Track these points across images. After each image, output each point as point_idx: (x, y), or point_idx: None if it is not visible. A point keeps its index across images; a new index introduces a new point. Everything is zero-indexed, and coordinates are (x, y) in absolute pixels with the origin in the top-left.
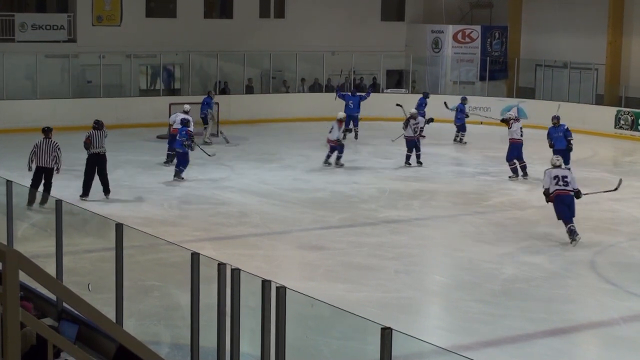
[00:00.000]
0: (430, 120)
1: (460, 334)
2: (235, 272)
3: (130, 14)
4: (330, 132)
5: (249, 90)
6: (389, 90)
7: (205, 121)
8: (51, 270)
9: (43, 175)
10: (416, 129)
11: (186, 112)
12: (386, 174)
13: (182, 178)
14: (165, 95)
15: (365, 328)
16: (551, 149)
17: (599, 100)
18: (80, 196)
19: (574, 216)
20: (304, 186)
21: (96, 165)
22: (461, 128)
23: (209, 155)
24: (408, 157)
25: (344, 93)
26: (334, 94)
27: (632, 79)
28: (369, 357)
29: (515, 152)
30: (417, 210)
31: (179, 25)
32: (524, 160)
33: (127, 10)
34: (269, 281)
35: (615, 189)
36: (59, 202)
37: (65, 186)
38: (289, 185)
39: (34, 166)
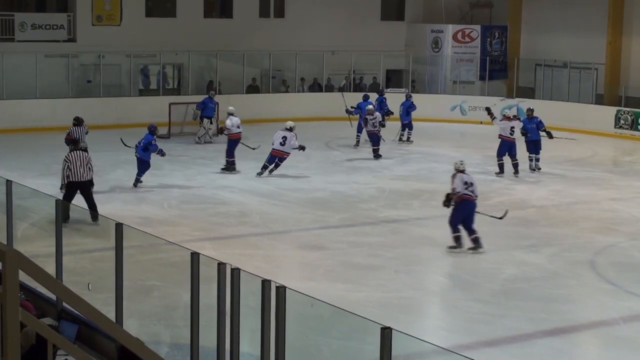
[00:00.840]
0: (390, 112)
1: (460, 333)
2: (235, 272)
3: (130, 14)
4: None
5: (254, 89)
6: (388, 90)
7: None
8: (51, 270)
9: (78, 190)
10: (375, 124)
11: (231, 114)
12: (386, 174)
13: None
14: (165, 94)
15: (365, 328)
16: (524, 137)
17: (599, 100)
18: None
19: (473, 223)
20: (303, 186)
21: (77, 191)
22: (408, 126)
23: (253, 149)
24: (375, 151)
25: (354, 108)
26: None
27: (632, 79)
28: (368, 357)
29: (504, 148)
30: (417, 210)
31: (179, 25)
32: (516, 158)
33: (126, 10)
34: (269, 281)
35: (501, 218)
36: (58, 202)
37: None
38: (289, 185)
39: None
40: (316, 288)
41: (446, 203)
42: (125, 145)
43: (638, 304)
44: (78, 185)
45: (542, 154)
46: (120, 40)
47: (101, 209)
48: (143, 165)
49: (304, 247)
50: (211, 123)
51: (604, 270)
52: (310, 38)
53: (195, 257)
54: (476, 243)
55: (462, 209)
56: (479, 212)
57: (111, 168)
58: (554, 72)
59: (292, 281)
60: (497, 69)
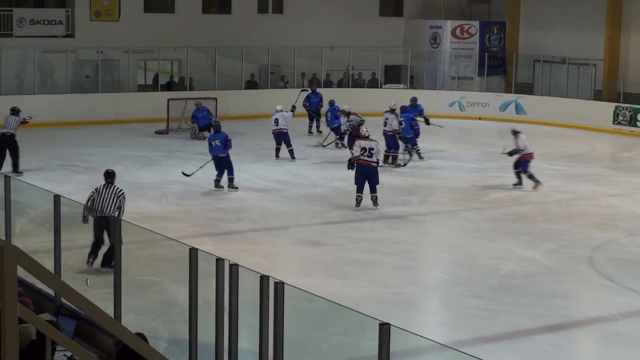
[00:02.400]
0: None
1: (459, 329)
2: (234, 268)
3: (128, 9)
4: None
5: (253, 85)
6: (387, 86)
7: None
8: (49, 265)
9: (104, 227)
10: (352, 125)
11: (279, 111)
12: (384, 170)
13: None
14: (163, 90)
15: (363, 324)
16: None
17: (598, 96)
18: None
19: (377, 184)
20: (302, 182)
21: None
22: (336, 131)
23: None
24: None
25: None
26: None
27: (630, 75)
28: (367, 353)
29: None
30: (415, 206)
31: (177, 21)
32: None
33: (125, 6)
34: (268, 277)
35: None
36: (57, 198)
37: (64, 181)
38: (288, 180)
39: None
40: (315, 284)
41: (349, 167)
42: (187, 175)
43: (636, 299)
44: (103, 221)
45: (541, 149)
46: (118, 36)
47: None
48: (229, 162)
49: (302, 243)
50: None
51: (603, 266)
52: (309, 34)
53: (193, 252)
54: (357, 203)
55: (359, 173)
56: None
57: (109, 164)
58: (553, 68)
59: (290, 277)
60: (496, 64)
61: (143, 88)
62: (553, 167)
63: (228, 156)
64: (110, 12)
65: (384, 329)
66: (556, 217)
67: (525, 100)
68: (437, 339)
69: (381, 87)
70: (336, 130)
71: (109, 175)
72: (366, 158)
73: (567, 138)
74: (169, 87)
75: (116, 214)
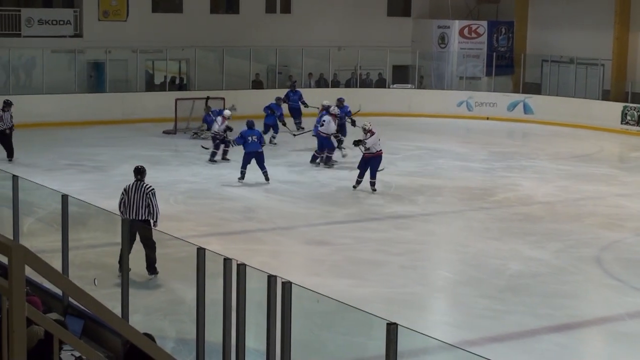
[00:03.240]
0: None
1: (466, 329)
2: (241, 267)
3: (136, 9)
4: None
5: (258, 85)
6: (395, 86)
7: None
8: (57, 265)
9: (136, 231)
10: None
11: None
12: (391, 170)
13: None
14: (171, 90)
15: (370, 323)
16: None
17: (606, 96)
18: None
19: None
20: (309, 182)
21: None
22: (274, 129)
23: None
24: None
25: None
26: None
27: (638, 75)
28: (374, 353)
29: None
30: (422, 205)
31: (185, 21)
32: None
33: (133, 6)
34: (275, 276)
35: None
36: (64, 197)
37: (72, 181)
38: (295, 180)
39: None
40: (322, 283)
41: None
42: (205, 147)
43: None
44: (133, 224)
45: (549, 149)
46: (126, 36)
47: (107, 204)
48: (263, 157)
49: (309, 243)
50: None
51: (610, 266)
52: (317, 34)
53: (201, 252)
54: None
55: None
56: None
57: (117, 163)
58: (561, 68)
59: (298, 277)
60: (504, 64)
61: (151, 88)
62: (561, 167)
63: (262, 152)
64: (119, 12)
65: (392, 329)
66: (563, 217)
67: (533, 100)
68: (444, 339)
69: (389, 87)
70: (273, 128)
71: (138, 172)
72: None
73: (575, 138)
74: (174, 86)
75: (146, 213)
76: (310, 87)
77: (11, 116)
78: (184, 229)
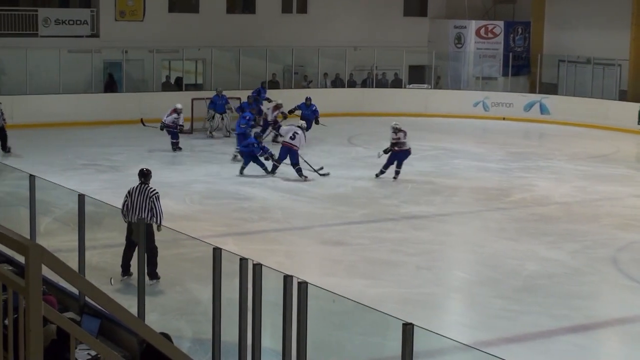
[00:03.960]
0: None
1: (482, 330)
2: (257, 268)
3: (152, 9)
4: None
5: (274, 85)
6: (411, 86)
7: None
8: (74, 264)
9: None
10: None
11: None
12: (408, 170)
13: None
14: (188, 90)
15: (386, 323)
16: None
17: (622, 96)
18: None
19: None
20: (325, 181)
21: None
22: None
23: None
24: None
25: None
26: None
27: None
28: (390, 353)
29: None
30: (439, 206)
31: (202, 21)
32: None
33: (149, 6)
34: (291, 276)
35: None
36: (81, 197)
37: (89, 181)
38: (311, 180)
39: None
40: (338, 284)
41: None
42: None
43: None
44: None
45: (566, 150)
46: (143, 36)
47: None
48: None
49: (325, 243)
50: (222, 119)
51: (627, 267)
52: (333, 34)
53: (217, 252)
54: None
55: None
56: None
57: (134, 163)
58: (577, 68)
59: (313, 277)
60: (520, 65)
61: (166, 87)
62: (577, 168)
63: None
64: (135, 12)
65: (408, 329)
66: (580, 218)
67: (549, 100)
68: (460, 339)
69: (405, 88)
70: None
71: (143, 175)
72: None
73: (591, 138)
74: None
75: (149, 216)
76: (326, 87)
77: (2, 112)
78: (200, 229)
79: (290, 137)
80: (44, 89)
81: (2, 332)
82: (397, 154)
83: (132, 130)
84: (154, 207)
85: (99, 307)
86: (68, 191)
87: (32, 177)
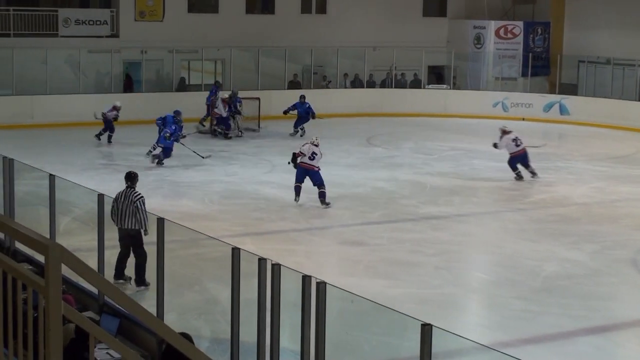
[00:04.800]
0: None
1: (501, 330)
2: (276, 267)
3: (172, 10)
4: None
5: (296, 85)
6: (430, 86)
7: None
8: (93, 263)
9: (127, 241)
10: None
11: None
12: (427, 170)
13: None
14: (207, 90)
15: (405, 324)
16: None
17: None
18: None
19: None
20: (344, 182)
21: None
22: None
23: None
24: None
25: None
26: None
27: None
28: (408, 353)
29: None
30: (457, 206)
31: (221, 21)
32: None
33: (169, 6)
34: (309, 276)
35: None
36: (101, 197)
37: (108, 180)
38: (330, 180)
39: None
40: (356, 284)
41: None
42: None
43: None
44: (125, 234)
45: (585, 150)
46: (162, 36)
47: None
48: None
49: (344, 243)
50: (234, 119)
51: None
52: (352, 34)
53: (236, 252)
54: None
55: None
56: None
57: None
58: (597, 69)
59: (332, 277)
60: (540, 65)
61: (186, 87)
62: (597, 168)
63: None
64: (155, 12)
65: (426, 330)
66: (600, 219)
67: (569, 101)
68: (479, 340)
69: (424, 88)
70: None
71: (129, 178)
72: (520, 147)
73: (611, 139)
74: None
75: (133, 222)
76: (345, 87)
77: None
78: (219, 229)
79: (310, 157)
80: (64, 89)
81: (22, 331)
82: (516, 157)
83: (151, 130)
84: (138, 212)
85: (118, 306)
86: (87, 191)
87: (52, 177)
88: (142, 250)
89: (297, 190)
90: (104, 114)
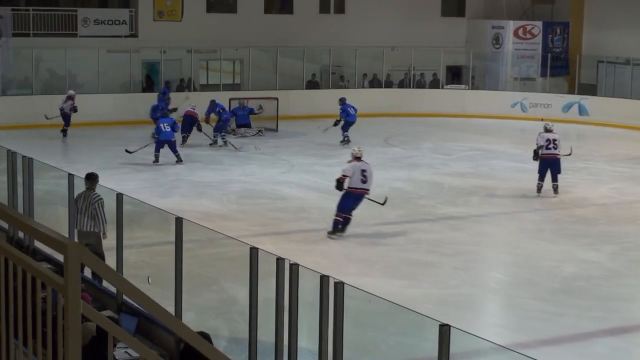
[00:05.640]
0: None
1: (519, 331)
2: (294, 267)
3: (191, 9)
4: None
5: (314, 85)
6: (449, 86)
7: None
8: (112, 263)
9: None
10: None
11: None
12: (445, 170)
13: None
14: (225, 90)
15: (422, 324)
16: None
17: None
18: None
19: (559, 173)
20: None
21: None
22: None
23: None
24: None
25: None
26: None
27: None
28: (426, 354)
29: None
30: (475, 206)
31: (240, 21)
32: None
33: (188, 6)
34: (327, 276)
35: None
36: (119, 196)
37: (127, 180)
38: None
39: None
40: (374, 284)
41: (534, 157)
42: (130, 152)
43: None
44: (83, 237)
45: (604, 151)
46: (181, 36)
47: (161, 203)
48: (174, 144)
49: (362, 243)
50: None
51: None
52: (370, 34)
53: (254, 252)
54: (554, 189)
55: (546, 162)
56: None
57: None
58: (617, 69)
59: (349, 277)
60: (559, 65)
61: (205, 87)
62: (616, 169)
63: (174, 140)
64: (173, 12)
65: (444, 330)
66: (619, 219)
67: (588, 101)
68: (496, 341)
69: (443, 88)
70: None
71: (88, 179)
72: (551, 151)
73: (630, 140)
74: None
75: (91, 224)
76: (363, 87)
77: None
78: (237, 229)
79: (362, 179)
80: (83, 89)
81: (42, 330)
82: (546, 160)
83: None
84: (96, 214)
85: (137, 305)
86: (106, 190)
87: (71, 176)
88: (101, 253)
89: (347, 222)
90: (61, 109)
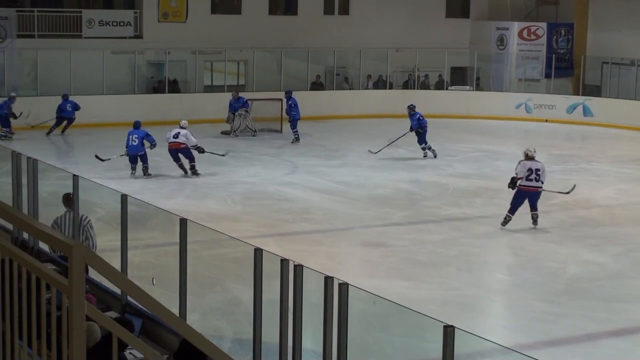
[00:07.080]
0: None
1: (523, 333)
2: (298, 268)
3: (195, 11)
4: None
5: (318, 86)
6: (453, 88)
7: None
8: (116, 264)
9: None
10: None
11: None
12: (449, 171)
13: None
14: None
15: (427, 326)
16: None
17: None
18: None
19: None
20: (366, 183)
21: None
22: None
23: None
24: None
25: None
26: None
27: None
28: (430, 355)
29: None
30: (480, 208)
31: (244, 22)
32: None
33: (192, 7)
34: (332, 277)
35: (567, 193)
36: (124, 197)
37: (131, 181)
38: (352, 181)
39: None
40: (378, 285)
41: (510, 186)
42: (102, 159)
43: None
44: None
45: (609, 152)
46: (185, 37)
47: (166, 204)
48: (144, 157)
49: (366, 244)
50: (241, 117)
51: None
52: (375, 35)
53: (258, 253)
54: (534, 220)
55: (523, 195)
56: (545, 190)
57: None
58: (621, 70)
59: (354, 278)
60: (563, 66)
61: (209, 89)
62: (620, 170)
63: (144, 153)
64: (178, 14)
65: (449, 332)
66: (623, 221)
67: (593, 102)
68: (501, 342)
69: (447, 89)
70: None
71: (68, 200)
72: (532, 183)
73: (635, 141)
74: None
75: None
76: (368, 88)
77: None
78: (241, 230)
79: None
80: (87, 90)
81: (46, 331)
82: (523, 192)
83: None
84: (89, 237)
85: (141, 307)
86: (111, 191)
87: (75, 177)
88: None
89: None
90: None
